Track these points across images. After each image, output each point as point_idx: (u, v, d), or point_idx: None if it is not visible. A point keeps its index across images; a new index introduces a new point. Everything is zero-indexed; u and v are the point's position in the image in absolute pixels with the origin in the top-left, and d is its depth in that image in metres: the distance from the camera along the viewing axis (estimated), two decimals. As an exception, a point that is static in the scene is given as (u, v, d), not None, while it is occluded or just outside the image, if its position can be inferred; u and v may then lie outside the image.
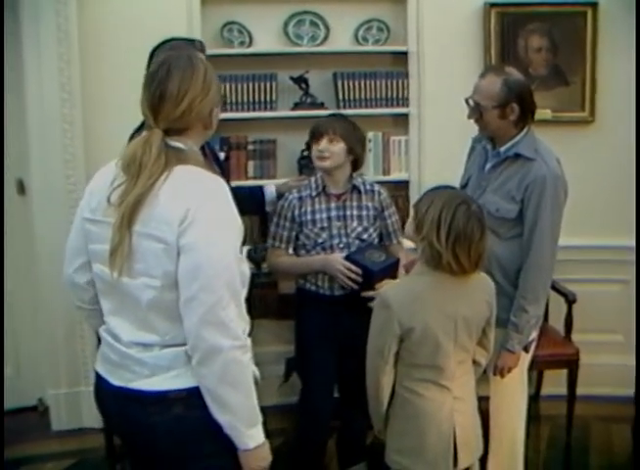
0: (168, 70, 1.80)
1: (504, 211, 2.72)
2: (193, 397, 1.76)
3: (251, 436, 1.78)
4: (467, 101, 2.79)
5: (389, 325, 2.23)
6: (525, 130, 2.75)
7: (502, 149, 2.77)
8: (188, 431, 1.77)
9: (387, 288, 2.38)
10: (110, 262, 1.75)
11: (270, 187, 3.30)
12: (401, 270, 3.01)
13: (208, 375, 1.72)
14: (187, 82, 1.79)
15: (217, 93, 1.87)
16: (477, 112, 2.75)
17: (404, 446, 2.31)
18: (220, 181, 1.80)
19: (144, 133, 1.79)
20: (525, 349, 2.79)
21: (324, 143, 2.95)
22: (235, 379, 1.73)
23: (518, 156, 2.73)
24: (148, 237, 1.73)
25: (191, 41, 2.86)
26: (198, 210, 1.70)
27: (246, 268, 1.83)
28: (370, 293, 2.84)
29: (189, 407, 1.77)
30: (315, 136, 2.99)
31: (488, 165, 2.84)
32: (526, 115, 2.74)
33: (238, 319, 1.74)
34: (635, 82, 3.77)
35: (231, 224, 1.77)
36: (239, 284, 1.76)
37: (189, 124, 1.81)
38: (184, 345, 1.76)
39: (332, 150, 2.95)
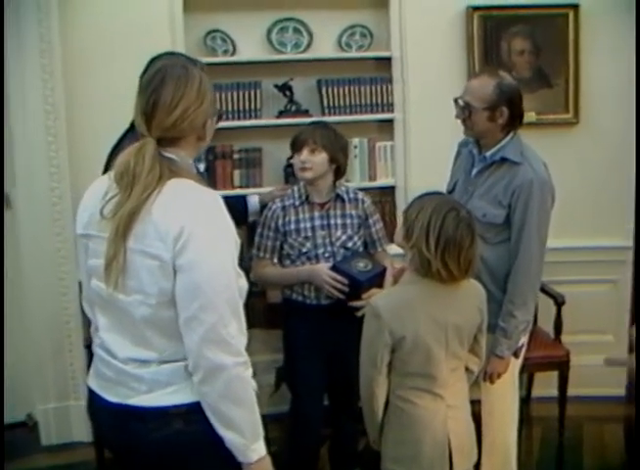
0: (163, 77, 1.78)
1: (491, 216, 2.71)
2: (192, 412, 1.74)
3: (254, 450, 1.76)
4: (456, 101, 2.78)
5: (381, 335, 2.22)
6: (511, 135, 2.75)
7: (488, 153, 2.77)
8: (188, 446, 1.76)
9: (377, 297, 2.36)
10: (105, 276, 1.73)
11: (253, 197, 3.28)
12: (390, 279, 3.00)
13: (211, 393, 1.70)
14: (181, 90, 1.76)
15: (212, 104, 1.84)
16: (465, 112, 2.74)
17: (400, 455, 2.31)
18: (215, 195, 1.77)
19: (136, 143, 1.77)
20: (515, 354, 2.78)
21: (305, 154, 2.93)
22: (238, 396, 1.72)
23: (504, 160, 2.73)
24: (141, 254, 1.71)
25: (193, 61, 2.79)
26: (194, 227, 1.68)
27: (243, 282, 1.81)
28: (357, 302, 2.84)
29: (189, 422, 1.75)
30: (296, 146, 2.97)
31: (475, 170, 2.83)
32: (515, 120, 2.74)
33: (239, 335, 1.72)
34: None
35: (228, 239, 1.74)
36: (239, 299, 1.74)
37: (182, 134, 1.78)
38: (183, 360, 1.75)
39: (313, 161, 2.93)
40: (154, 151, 1.73)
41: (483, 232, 2.66)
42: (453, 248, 2.17)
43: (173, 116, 1.75)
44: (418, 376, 2.26)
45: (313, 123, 3.19)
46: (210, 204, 1.74)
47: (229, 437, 1.73)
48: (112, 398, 1.83)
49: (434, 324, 2.24)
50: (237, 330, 1.71)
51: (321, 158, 2.94)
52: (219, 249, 1.71)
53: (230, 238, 1.75)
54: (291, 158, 3.16)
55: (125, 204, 1.69)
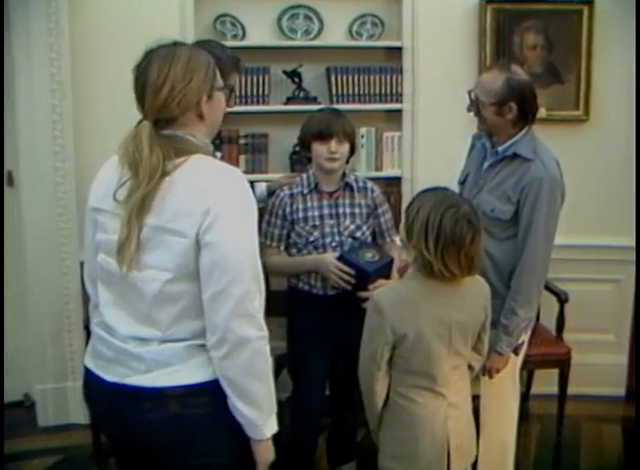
0: (150, 59, 1.79)
1: (499, 211, 2.69)
2: (190, 394, 1.74)
3: (269, 425, 1.80)
4: (469, 93, 2.76)
5: (382, 331, 2.19)
6: (524, 130, 2.72)
7: (500, 148, 2.74)
8: (185, 429, 1.75)
9: (380, 292, 2.32)
10: (118, 257, 1.73)
11: (260, 185, 3.25)
12: (395, 274, 2.98)
13: (234, 367, 1.72)
14: (165, 69, 1.76)
15: (205, 83, 1.81)
16: (475, 106, 2.73)
17: (398, 453, 2.29)
18: (237, 171, 1.80)
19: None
20: (515, 351, 2.76)
21: (334, 144, 2.88)
22: (259, 369, 1.75)
23: (516, 156, 2.70)
24: (160, 230, 1.71)
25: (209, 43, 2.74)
26: (222, 204, 1.69)
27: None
28: (364, 293, 2.81)
29: (186, 405, 1.74)
30: (323, 136, 2.89)
31: (486, 164, 2.81)
32: (526, 115, 2.71)
33: (261, 310, 1.75)
34: (635, 81, 3.76)
35: (253, 215, 1.77)
36: (262, 274, 1.77)
37: (174, 113, 1.77)
38: (184, 340, 1.75)
39: (341, 151, 2.90)
40: (149, 133, 1.72)
41: (491, 227, 2.65)
42: (452, 246, 2.12)
43: (161, 95, 1.75)
44: (419, 374, 2.23)
45: (327, 110, 3.11)
46: (236, 180, 1.76)
47: (247, 412, 1.75)
48: (109, 377, 1.81)
49: (438, 322, 2.21)
50: (260, 304, 1.75)
51: (346, 148, 2.92)
52: (246, 225, 1.74)
53: (254, 214, 1.77)
54: (297, 145, 3.13)
55: (137, 189, 1.70)
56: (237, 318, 1.69)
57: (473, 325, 2.30)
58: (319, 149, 2.90)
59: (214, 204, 1.68)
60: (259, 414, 1.76)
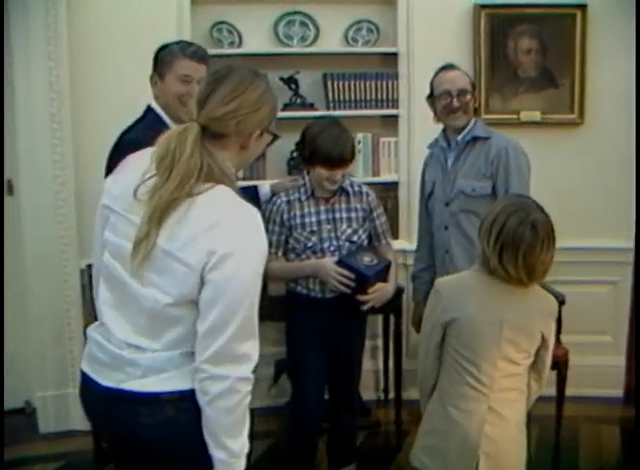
0: (229, 71, 1.79)
1: (479, 189, 2.96)
2: (185, 399, 1.75)
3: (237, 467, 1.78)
4: (451, 93, 3.01)
5: (435, 309, 2.29)
6: (474, 119, 3.07)
7: (459, 137, 3.03)
8: (179, 433, 1.76)
9: (442, 278, 2.41)
10: (132, 255, 1.72)
11: (264, 186, 3.27)
12: (393, 273, 3.00)
13: (205, 396, 1.72)
14: (242, 88, 1.76)
15: (267, 119, 1.82)
16: (466, 95, 3.01)
17: (428, 445, 2.32)
18: (255, 211, 1.77)
19: (180, 126, 1.76)
20: None
21: (341, 172, 2.87)
22: (229, 405, 1.72)
23: (475, 138, 3.02)
24: (170, 255, 1.70)
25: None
26: (232, 245, 1.67)
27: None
28: (363, 296, 2.84)
29: (181, 410, 1.75)
30: (334, 163, 2.85)
31: (450, 160, 3.07)
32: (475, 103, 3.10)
33: (251, 351, 1.73)
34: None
35: (261, 258, 1.74)
36: (256, 317, 1.75)
37: (226, 131, 1.76)
38: (179, 348, 1.76)
39: (344, 172, 2.91)
40: (196, 135, 1.71)
41: (475, 207, 2.95)
42: (511, 246, 2.14)
43: (225, 108, 1.74)
44: (464, 364, 2.24)
45: (333, 126, 2.94)
46: (251, 222, 1.74)
47: (214, 446, 1.75)
48: (105, 382, 1.82)
49: (489, 314, 2.22)
50: (250, 346, 1.73)
51: (348, 167, 2.93)
52: (252, 268, 1.72)
53: (263, 257, 1.75)
54: (295, 151, 3.14)
55: (162, 188, 1.68)
56: (221, 357, 1.69)
57: (528, 332, 2.26)
58: (323, 173, 2.88)
59: (225, 243, 1.67)
60: (225, 452, 1.75)
